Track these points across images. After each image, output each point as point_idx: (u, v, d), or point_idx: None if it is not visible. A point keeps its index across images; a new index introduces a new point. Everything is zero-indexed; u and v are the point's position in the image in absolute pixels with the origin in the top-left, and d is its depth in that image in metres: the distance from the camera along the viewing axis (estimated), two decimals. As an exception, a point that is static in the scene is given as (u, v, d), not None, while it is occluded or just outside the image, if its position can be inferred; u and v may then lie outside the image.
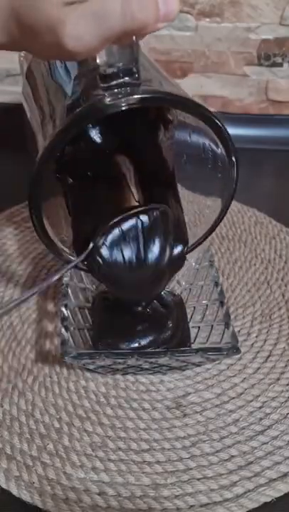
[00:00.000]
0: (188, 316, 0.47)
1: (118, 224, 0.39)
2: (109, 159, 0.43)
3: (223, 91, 0.80)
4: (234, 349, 0.38)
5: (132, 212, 0.39)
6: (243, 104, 0.80)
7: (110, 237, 0.38)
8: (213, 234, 0.60)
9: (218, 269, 0.49)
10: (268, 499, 0.36)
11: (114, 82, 0.30)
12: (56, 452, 0.38)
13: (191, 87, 0.78)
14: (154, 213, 0.39)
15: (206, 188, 0.40)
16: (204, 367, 0.44)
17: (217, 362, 0.44)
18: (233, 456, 0.38)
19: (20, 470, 0.37)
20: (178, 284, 0.49)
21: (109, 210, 0.40)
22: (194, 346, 0.44)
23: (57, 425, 0.40)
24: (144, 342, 0.42)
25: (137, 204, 0.42)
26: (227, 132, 0.34)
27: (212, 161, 0.37)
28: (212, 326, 0.43)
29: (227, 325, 0.41)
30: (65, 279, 0.44)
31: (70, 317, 0.42)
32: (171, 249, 0.40)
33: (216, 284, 0.45)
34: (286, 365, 0.45)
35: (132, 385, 0.43)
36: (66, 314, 0.41)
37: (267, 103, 0.80)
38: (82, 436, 0.39)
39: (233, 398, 0.42)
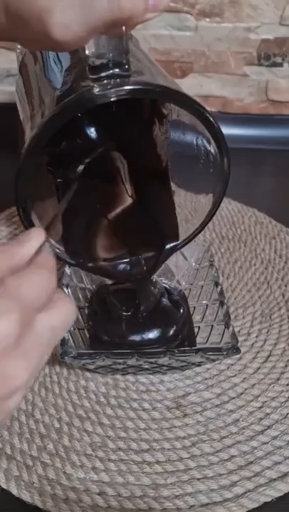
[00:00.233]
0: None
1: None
2: (103, 155, 0.43)
3: (223, 91, 0.80)
4: (234, 349, 0.38)
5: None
6: (243, 104, 0.80)
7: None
8: (213, 234, 0.61)
9: (218, 269, 0.49)
10: (268, 499, 0.36)
11: (103, 74, 0.30)
12: (56, 452, 0.38)
13: (191, 87, 0.78)
14: None
15: (198, 184, 0.40)
16: (204, 367, 0.44)
17: (217, 362, 0.44)
18: (233, 456, 0.38)
19: (20, 470, 0.37)
20: (178, 284, 0.49)
21: (101, 205, 0.40)
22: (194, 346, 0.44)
23: (57, 425, 0.40)
24: (149, 338, 0.42)
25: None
26: (217, 124, 0.33)
27: (204, 156, 0.37)
28: (212, 326, 0.43)
29: (227, 325, 0.41)
30: (65, 279, 0.44)
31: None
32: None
33: (216, 284, 0.45)
34: (286, 365, 0.45)
35: (132, 385, 0.43)
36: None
37: (267, 103, 0.80)
38: (82, 436, 0.39)
39: (233, 398, 0.42)
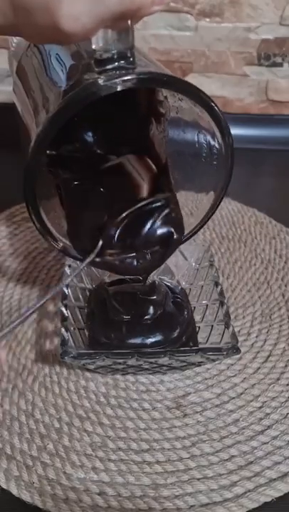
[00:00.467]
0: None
1: (125, 219, 0.38)
2: (104, 158, 0.43)
3: (223, 91, 0.80)
4: (234, 349, 0.38)
5: (138, 206, 0.39)
6: (243, 104, 0.80)
7: (118, 232, 0.38)
8: (213, 234, 0.61)
9: (218, 269, 0.49)
10: (268, 499, 0.36)
11: (109, 66, 0.30)
12: (56, 452, 0.38)
13: (191, 87, 0.77)
14: (159, 203, 0.39)
15: (200, 181, 0.40)
16: (204, 367, 0.44)
17: (217, 362, 0.44)
18: (233, 456, 0.38)
19: (20, 470, 0.37)
20: (178, 284, 0.49)
21: (107, 200, 0.40)
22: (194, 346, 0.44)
23: (57, 425, 0.40)
24: (152, 340, 0.42)
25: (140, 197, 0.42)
26: (222, 114, 0.33)
27: (207, 150, 0.37)
28: (212, 326, 0.43)
29: (227, 325, 0.41)
30: (65, 279, 0.44)
31: (70, 317, 0.42)
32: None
33: (216, 284, 0.45)
34: (286, 365, 0.45)
35: (132, 385, 0.43)
36: (66, 314, 0.41)
37: (267, 103, 0.80)
38: (82, 436, 0.39)
39: (233, 398, 0.42)
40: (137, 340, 0.42)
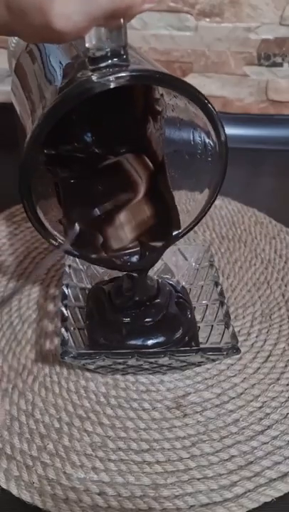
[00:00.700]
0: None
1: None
2: (102, 157, 0.43)
3: (223, 91, 0.80)
4: (234, 349, 0.38)
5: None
6: (243, 104, 0.80)
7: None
8: (213, 234, 0.61)
9: (218, 269, 0.49)
10: (268, 499, 0.36)
11: (102, 64, 0.30)
12: (56, 452, 0.38)
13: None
14: None
15: (195, 179, 0.40)
16: (204, 367, 0.44)
17: (217, 362, 0.44)
18: (233, 456, 0.38)
19: (20, 470, 0.37)
20: (179, 283, 0.49)
21: (104, 197, 0.40)
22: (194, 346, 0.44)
23: (57, 425, 0.40)
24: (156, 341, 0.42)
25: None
26: (214, 109, 0.34)
27: (202, 147, 0.37)
28: (212, 326, 0.43)
29: (227, 325, 0.41)
30: (65, 279, 0.44)
31: (70, 317, 0.42)
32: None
33: (216, 284, 0.45)
34: (286, 365, 0.45)
35: (132, 385, 0.43)
36: (66, 314, 0.41)
37: (267, 103, 0.80)
38: (82, 436, 0.39)
39: (233, 398, 0.42)
40: (138, 342, 0.42)
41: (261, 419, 0.41)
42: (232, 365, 0.45)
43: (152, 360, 0.39)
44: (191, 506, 0.35)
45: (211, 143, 0.36)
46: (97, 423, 0.40)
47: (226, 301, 0.44)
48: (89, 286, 0.48)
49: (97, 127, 0.42)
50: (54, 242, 0.37)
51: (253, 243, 0.60)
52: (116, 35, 0.30)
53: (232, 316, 0.48)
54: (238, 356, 0.45)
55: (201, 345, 0.43)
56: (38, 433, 0.39)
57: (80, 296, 0.46)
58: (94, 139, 0.42)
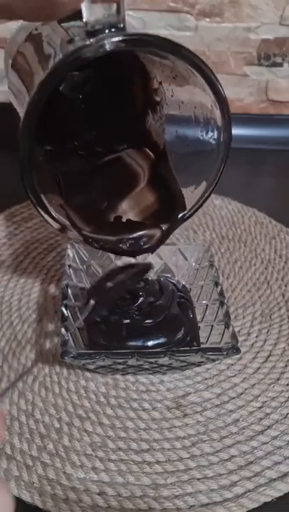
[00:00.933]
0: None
1: None
2: (102, 154, 0.43)
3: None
4: (234, 349, 0.38)
5: None
6: (243, 104, 0.80)
7: None
8: (213, 234, 0.61)
9: (218, 269, 0.49)
10: (268, 499, 0.36)
11: (100, 36, 0.30)
12: (56, 452, 0.38)
13: (191, 87, 0.77)
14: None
15: (201, 160, 0.40)
16: (204, 367, 0.44)
17: (217, 362, 0.44)
18: (233, 456, 0.38)
19: (20, 470, 0.37)
20: (179, 282, 0.49)
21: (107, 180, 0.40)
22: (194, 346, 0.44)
23: (57, 425, 0.40)
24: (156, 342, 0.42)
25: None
26: (213, 74, 0.33)
27: (204, 125, 0.37)
28: (212, 326, 0.43)
29: (227, 325, 0.41)
30: (65, 279, 0.44)
31: (70, 317, 0.42)
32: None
33: (216, 284, 0.45)
34: (286, 365, 0.45)
35: (132, 385, 0.43)
36: (66, 314, 0.41)
37: (267, 103, 0.80)
38: (82, 436, 0.39)
39: (233, 398, 0.42)
40: (139, 343, 0.42)
41: (261, 419, 0.41)
42: (232, 365, 0.45)
43: (152, 360, 0.39)
44: (191, 506, 0.35)
45: (214, 117, 0.35)
46: (97, 423, 0.40)
47: (226, 301, 0.44)
48: (89, 286, 0.48)
49: (96, 126, 0.42)
50: (54, 222, 0.36)
51: (253, 243, 0.60)
52: (114, 9, 0.29)
53: (232, 316, 0.48)
54: (238, 356, 0.45)
55: (201, 346, 0.43)
56: (38, 433, 0.39)
57: (80, 296, 0.46)
58: (94, 138, 0.42)
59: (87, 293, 0.46)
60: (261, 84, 0.78)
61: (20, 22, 0.45)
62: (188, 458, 0.38)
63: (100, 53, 0.30)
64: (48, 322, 0.48)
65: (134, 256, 0.42)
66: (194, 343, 0.43)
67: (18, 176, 0.33)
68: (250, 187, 0.73)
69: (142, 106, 0.42)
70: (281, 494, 0.36)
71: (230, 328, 0.40)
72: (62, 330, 0.39)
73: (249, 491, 0.36)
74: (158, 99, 0.41)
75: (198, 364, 0.42)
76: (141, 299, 0.44)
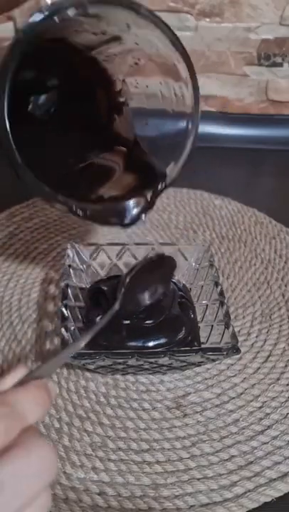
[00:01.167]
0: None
1: None
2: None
3: (223, 91, 0.80)
4: (234, 349, 0.38)
5: None
6: (243, 104, 0.80)
7: None
8: (213, 234, 0.61)
9: (218, 269, 0.49)
10: (268, 499, 0.36)
11: None
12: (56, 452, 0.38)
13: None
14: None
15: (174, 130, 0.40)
16: (204, 367, 0.44)
17: (217, 362, 0.44)
18: (233, 456, 0.38)
19: (20, 470, 0.37)
20: (180, 282, 0.49)
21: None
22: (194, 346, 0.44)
23: (57, 425, 0.40)
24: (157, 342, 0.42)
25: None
26: (173, 32, 0.34)
27: (173, 99, 0.37)
28: (212, 326, 0.43)
29: (227, 325, 0.41)
30: (65, 279, 0.44)
31: (70, 317, 0.42)
32: None
33: (216, 284, 0.45)
34: (286, 365, 0.45)
35: (132, 385, 0.43)
36: (66, 314, 0.41)
37: (267, 103, 0.80)
38: (82, 436, 0.39)
39: (233, 398, 0.42)
40: (139, 343, 0.42)
41: (261, 419, 0.41)
42: (232, 365, 0.45)
43: (152, 360, 0.39)
44: (191, 506, 0.35)
45: (179, 74, 0.35)
46: (97, 423, 0.40)
47: (226, 301, 0.44)
48: (89, 286, 0.48)
49: (65, 140, 0.42)
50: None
51: (253, 243, 0.60)
52: None
53: (232, 316, 0.48)
54: (238, 356, 0.45)
55: (201, 346, 0.43)
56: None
57: (80, 296, 0.46)
58: (64, 151, 0.43)
59: (109, 293, 0.45)
60: (261, 84, 0.78)
61: None
62: (188, 458, 0.38)
63: (59, 9, 0.30)
64: (48, 322, 0.48)
65: (122, 224, 0.41)
66: (195, 343, 0.43)
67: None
68: (250, 187, 0.73)
69: (108, 112, 0.43)
70: (281, 494, 0.36)
71: (230, 328, 0.40)
72: (62, 330, 0.39)
73: (249, 491, 0.36)
74: (122, 99, 0.41)
75: (199, 364, 0.42)
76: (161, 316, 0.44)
